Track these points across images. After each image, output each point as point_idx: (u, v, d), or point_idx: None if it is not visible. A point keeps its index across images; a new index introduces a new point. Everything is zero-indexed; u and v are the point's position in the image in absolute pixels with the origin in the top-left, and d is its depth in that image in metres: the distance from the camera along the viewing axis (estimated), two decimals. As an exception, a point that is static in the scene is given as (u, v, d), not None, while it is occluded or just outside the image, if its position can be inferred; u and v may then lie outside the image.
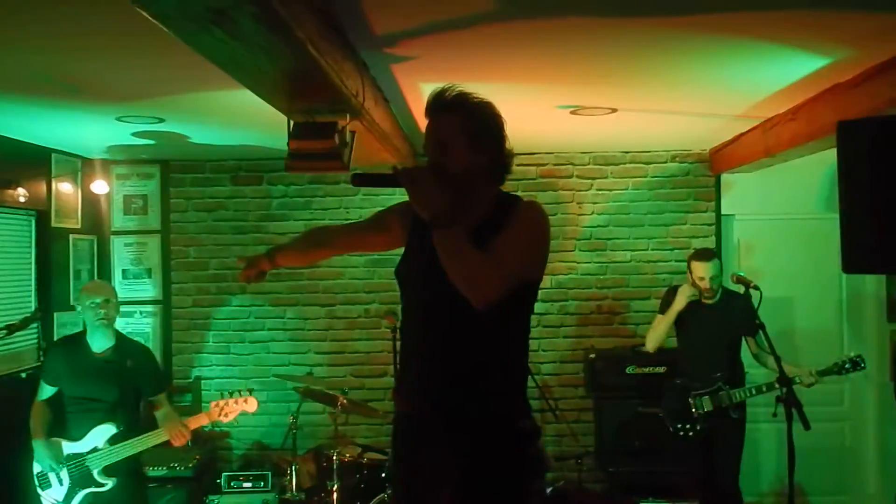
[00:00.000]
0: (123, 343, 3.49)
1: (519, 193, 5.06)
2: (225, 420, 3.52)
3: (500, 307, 1.89)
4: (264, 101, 2.79)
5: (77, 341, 3.43)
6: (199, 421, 3.49)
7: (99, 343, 3.37)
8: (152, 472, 4.23)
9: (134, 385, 3.42)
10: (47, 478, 3.33)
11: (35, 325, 3.56)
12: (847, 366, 3.54)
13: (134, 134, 3.94)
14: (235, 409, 3.48)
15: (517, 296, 1.93)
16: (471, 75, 2.88)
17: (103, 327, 3.34)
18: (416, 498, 2.11)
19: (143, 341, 4.74)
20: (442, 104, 1.99)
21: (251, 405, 3.54)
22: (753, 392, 3.70)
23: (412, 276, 2.04)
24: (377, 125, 3.21)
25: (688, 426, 3.82)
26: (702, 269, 3.84)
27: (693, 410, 3.80)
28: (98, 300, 3.32)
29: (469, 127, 1.95)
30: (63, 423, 3.38)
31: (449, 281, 1.86)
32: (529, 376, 4.13)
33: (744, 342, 3.92)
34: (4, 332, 3.26)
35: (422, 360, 2.03)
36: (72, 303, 3.45)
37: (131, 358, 3.43)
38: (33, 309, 3.42)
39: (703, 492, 3.99)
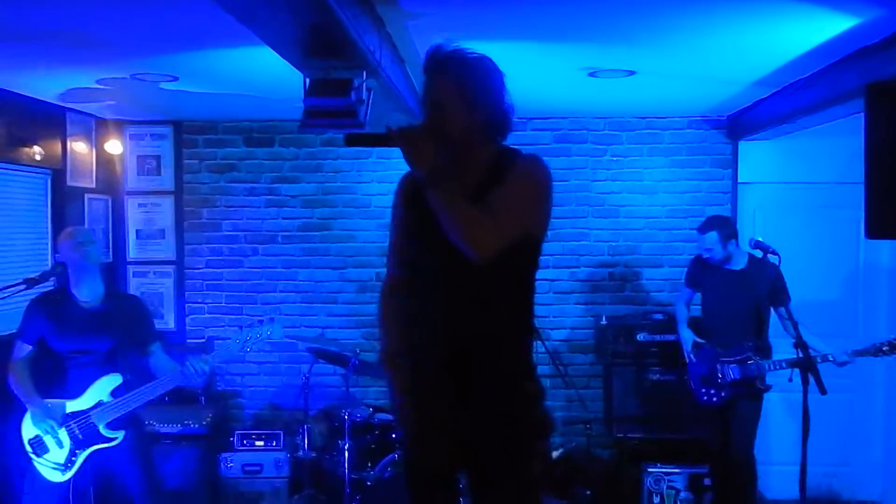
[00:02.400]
0: (113, 293, 3.37)
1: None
2: (247, 350, 3.28)
3: (503, 264, 1.88)
4: (281, 56, 2.77)
5: (61, 294, 3.24)
6: (218, 355, 3.30)
7: (86, 292, 3.19)
8: (165, 429, 4.29)
9: (129, 334, 3.24)
10: (42, 442, 3.12)
11: (52, 279, 3.52)
12: (885, 348, 3.41)
13: (149, 93, 3.92)
14: (258, 336, 3.25)
15: (519, 252, 1.92)
16: (487, 34, 2.84)
17: (89, 270, 3.17)
18: (425, 458, 2.11)
19: (157, 301, 4.83)
20: (436, 63, 1.96)
21: (276, 331, 3.31)
22: (784, 365, 3.61)
23: (423, 231, 1.99)
24: (393, 85, 3.18)
25: (712, 391, 3.80)
26: (700, 241, 3.87)
27: (719, 377, 3.77)
28: (81, 240, 3.16)
29: (464, 85, 1.92)
30: (59, 380, 3.18)
31: (450, 240, 1.85)
32: (538, 341, 4.18)
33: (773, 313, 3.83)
34: (23, 285, 3.18)
35: (425, 321, 2.01)
36: (53, 257, 3.27)
37: (124, 306, 3.28)
38: (52, 265, 3.30)
39: (717, 459, 4.00)
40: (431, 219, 1.89)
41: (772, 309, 3.77)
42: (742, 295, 3.76)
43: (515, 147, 2.02)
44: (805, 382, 2.99)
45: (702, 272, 3.99)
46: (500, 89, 1.98)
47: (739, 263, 3.83)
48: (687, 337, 4.03)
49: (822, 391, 3.00)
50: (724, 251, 3.81)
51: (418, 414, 2.10)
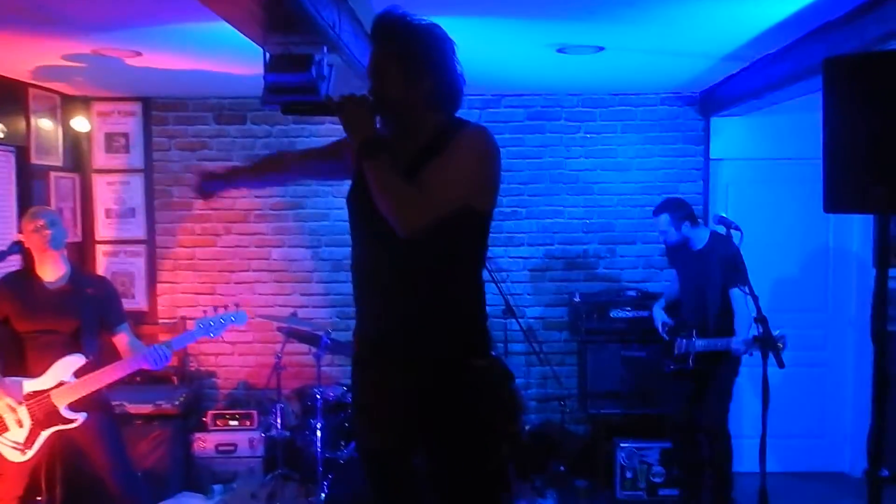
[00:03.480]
0: (79, 273, 3.32)
1: (506, 136, 5.00)
2: (212, 336, 3.28)
3: (440, 238, 1.84)
4: (240, 32, 2.72)
5: (25, 275, 3.21)
6: (184, 341, 3.28)
7: (51, 272, 3.17)
8: (137, 409, 4.28)
9: (95, 315, 3.21)
10: (2, 420, 3.07)
11: (16, 259, 3.47)
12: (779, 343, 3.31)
13: (115, 69, 3.85)
14: (223, 324, 3.25)
15: (460, 226, 1.87)
16: (453, 9, 2.80)
17: (51, 251, 3.13)
18: (365, 437, 2.11)
19: (128, 281, 4.79)
20: (381, 29, 1.91)
21: (240, 318, 3.30)
22: (710, 346, 3.68)
23: (361, 203, 1.95)
24: (356, 60, 3.14)
25: (671, 366, 3.88)
26: (656, 224, 3.92)
27: (675, 351, 3.85)
28: (42, 221, 3.11)
29: (406, 53, 1.87)
30: (20, 361, 3.14)
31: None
32: (512, 318, 4.16)
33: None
34: (-18, 266, 3.18)
35: (368, 296, 1.99)
36: (14, 238, 3.24)
37: (90, 287, 3.24)
38: (14, 242, 3.25)
39: (673, 432, 4.06)
40: (364, 189, 1.87)
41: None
42: (702, 274, 3.78)
43: (464, 119, 1.97)
44: (764, 357, 3.01)
45: (673, 253, 4.04)
46: (447, 58, 1.92)
47: (699, 244, 3.85)
48: (657, 316, 4.09)
49: (780, 365, 3.03)
50: (678, 234, 3.83)
51: (357, 392, 2.10)
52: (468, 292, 1.98)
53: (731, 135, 4.70)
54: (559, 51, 3.56)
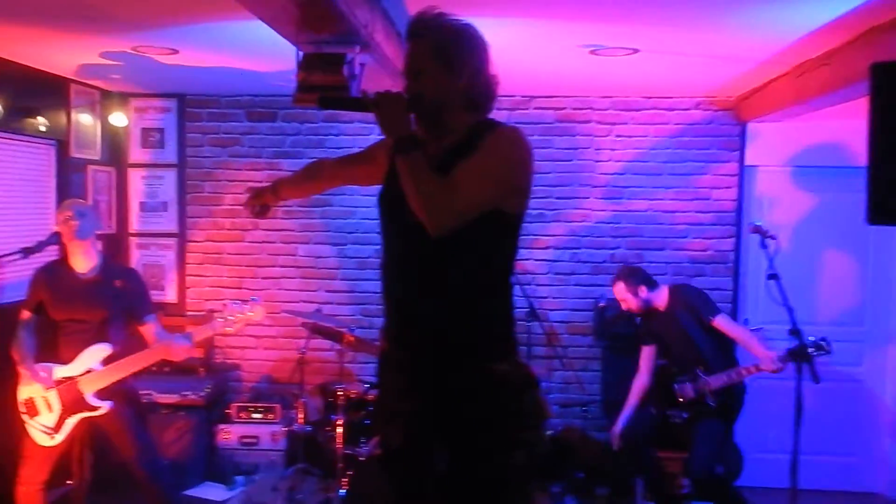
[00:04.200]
0: (109, 264, 3.40)
1: (535, 138, 4.97)
2: (231, 330, 3.33)
3: (470, 240, 1.84)
4: (273, 30, 2.75)
5: (60, 264, 3.32)
6: (203, 332, 3.32)
7: (82, 263, 3.26)
8: (163, 399, 4.35)
9: (123, 305, 3.31)
10: (34, 404, 3.19)
11: (55, 249, 3.56)
12: (811, 350, 3.25)
13: (152, 66, 3.92)
14: (241, 318, 3.30)
15: (489, 228, 1.87)
16: (487, 9, 2.80)
17: (78, 241, 3.20)
18: (385, 436, 2.11)
19: (158, 273, 4.88)
20: (417, 28, 1.92)
21: (257, 313, 3.33)
22: (733, 377, 3.61)
23: (392, 203, 1.97)
24: (389, 60, 3.15)
25: (675, 412, 3.80)
26: (615, 292, 3.87)
27: (680, 397, 3.77)
28: (70, 213, 3.20)
29: (442, 51, 1.88)
30: (54, 347, 3.26)
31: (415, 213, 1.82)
32: (536, 322, 4.13)
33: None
34: (20, 254, 3.23)
35: (396, 295, 1.99)
36: (52, 229, 3.36)
37: (119, 279, 3.32)
38: (48, 235, 3.35)
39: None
40: (400, 190, 1.87)
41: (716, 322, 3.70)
42: (679, 327, 3.75)
43: (497, 120, 1.96)
44: (799, 371, 2.94)
45: (648, 325, 3.94)
46: (481, 58, 1.93)
47: (661, 304, 3.82)
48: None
49: (816, 380, 2.96)
50: (636, 299, 3.80)
51: (381, 389, 2.11)
52: (497, 295, 1.97)
53: (767, 141, 4.60)
54: (593, 52, 3.53)
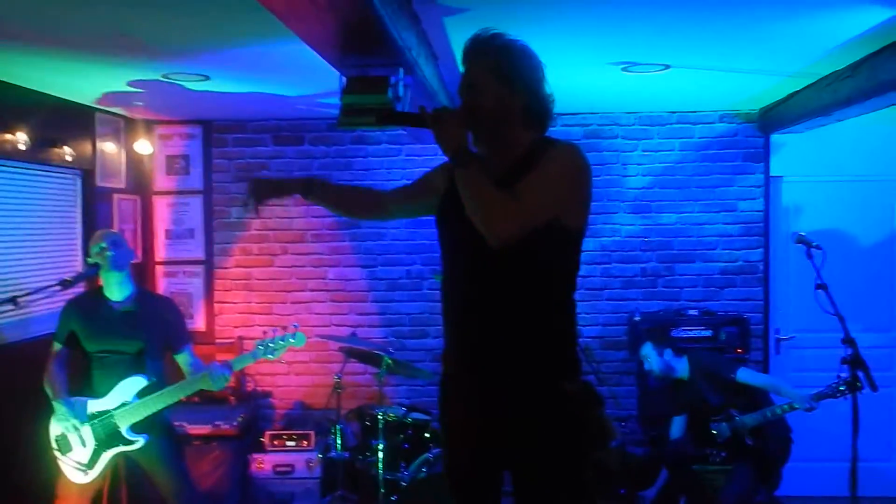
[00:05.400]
0: (144, 294, 3.37)
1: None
2: (272, 358, 3.28)
3: (535, 254, 1.83)
4: (318, 54, 2.74)
5: (94, 295, 3.28)
6: (244, 361, 3.29)
7: (117, 293, 3.22)
8: (196, 429, 4.30)
9: (159, 336, 3.24)
10: (67, 440, 3.11)
11: (86, 281, 3.53)
12: (842, 388, 3.33)
13: (178, 93, 3.92)
14: (282, 346, 3.27)
15: (548, 242, 1.86)
16: (522, 29, 2.80)
17: (114, 272, 3.17)
18: (451, 458, 2.09)
19: (186, 301, 4.84)
20: (476, 47, 1.94)
21: (299, 340, 3.30)
22: (768, 415, 3.67)
23: (453, 222, 1.96)
24: (427, 81, 3.16)
25: (714, 452, 3.81)
26: (643, 350, 3.97)
27: (714, 433, 3.79)
28: (104, 244, 3.17)
29: (500, 69, 1.90)
30: (87, 380, 3.20)
31: (475, 228, 1.81)
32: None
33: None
34: (60, 287, 3.17)
35: (457, 315, 1.98)
36: (84, 259, 3.32)
37: (155, 308, 3.28)
38: (88, 264, 3.30)
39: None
40: (460, 207, 1.86)
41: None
42: (702, 390, 3.80)
43: (555, 137, 1.97)
44: (854, 379, 2.93)
45: (678, 395, 3.98)
46: (538, 76, 1.95)
47: (684, 373, 3.88)
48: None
49: (873, 388, 2.95)
50: (660, 360, 3.88)
51: (445, 412, 2.08)
52: (560, 313, 1.96)
53: (792, 152, 4.63)
54: (625, 69, 3.54)
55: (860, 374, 2.90)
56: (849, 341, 2.91)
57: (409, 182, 2.29)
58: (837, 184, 4.62)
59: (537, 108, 1.95)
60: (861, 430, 4.40)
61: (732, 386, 3.73)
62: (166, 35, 2.91)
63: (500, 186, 1.82)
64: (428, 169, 2.19)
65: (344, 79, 2.86)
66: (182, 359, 3.31)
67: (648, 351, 3.93)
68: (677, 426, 4.01)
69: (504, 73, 1.90)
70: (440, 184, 2.07)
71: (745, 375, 3.71)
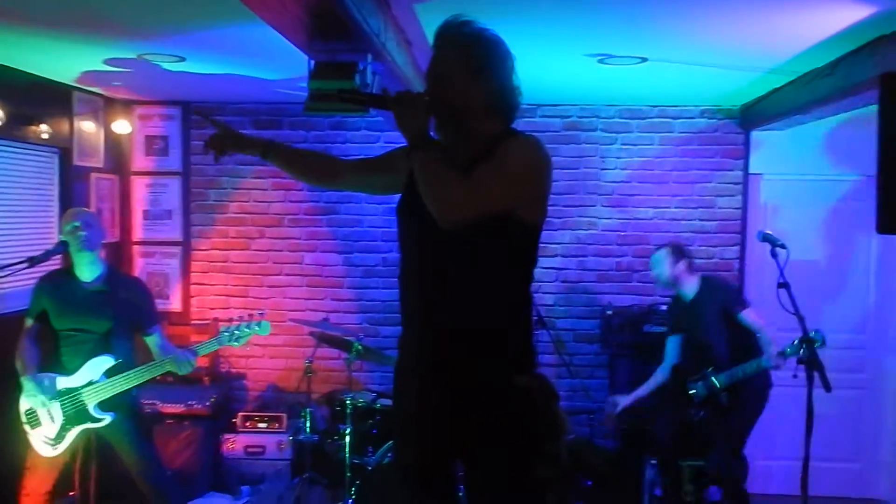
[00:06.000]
0: (114, 274, 3.36)
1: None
2: (236, 345, 3.33)
3: (491, 249, 1.84)
4: (286, 39, 2.74)
5: (64, 274, 3.27)
6: (208, 347, 3.33)
7: (87, 272, 3.22)
8: (169, 409, 4.33)
9: (128, 316, 3.25)
10: (36, 415, 3.14)
11: (58, 258, 3.54)
12: (803, 345, 3.20)
13: (156, 73, 3.91)
14: (247, 333, 3.31)
15: (507, 236, 1.86)
16: (495, 18, 2.79)
17: (85, 252, 3.17)
18: (401, 450, 2.09)
19: (163, 281, 4.85)
20: (445, 35, 1.93)
21: (263, 328, 3.34)
22: (739, 374, 3.67)
23: (410, 211, 1.96)
24: (399, 68, 3.15)
25: (692, 412, 3.83)
26: (654, 256, 3.95)
27: (694, 399, 3.81)
28: (77, 223, 3.17)
29: (468, 58, 1.89)
30: (56, 357, 3.22)
31: (429, 218, 1.81)
32: (543, 329, 4.13)
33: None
34: (26, 263, 3.18)
35: (413, 305, 1.99)
36: (58, 237, 3.33)
37: (124, 289, 3.28)
38: (55, 244, 3.32)
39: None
40: (417, 196, 1.86)
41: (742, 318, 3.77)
42: (700, 318, 3.81)
43: (518, 130, 1.96)
44: (809, 379, 2.94)
45: (674, 313, 4.02)
46: (505, 68, 1.93)
47: (691, 293, 3.87)
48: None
49: (827, 388, 2.96)
50: (670, 272, 3.85)
51: (398, 402, 2.10)
52: (514, 306, 1.95)
53: (771, 149, 4.62)
54: (601, 61, 3.53)
55: (817, 374, 2.90)
56: (806, 341, 2.92)
57: (372, 157, 2.28)
58: (816, 182, 4.62)
59: (503, 99, 1.94)
60: (833, 430, 4.49)
61: (728, 322, 3.72)
62: (139, 16, 2.90)
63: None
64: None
65: (312, 63, 2.85)
66: (151, 340, 3.33)
67: (662, 257, 3.86)
68: (672, 346, 3.99)
69: (472, 63, 1.88)
70: (401, 166, 2.05)
71: (747, 317, 3.70)
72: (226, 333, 3.30)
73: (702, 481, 4.13)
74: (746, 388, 3.73)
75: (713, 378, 3.73)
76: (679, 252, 3.90)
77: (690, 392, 3.82)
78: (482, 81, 1.89)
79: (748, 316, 3.73)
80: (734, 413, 3.76)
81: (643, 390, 4.01)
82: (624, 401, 4.03)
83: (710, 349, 3.77)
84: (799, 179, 4.64)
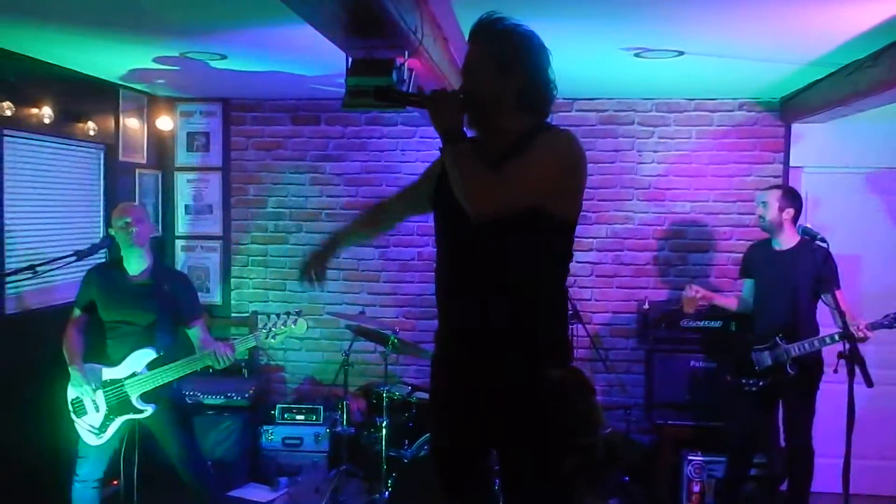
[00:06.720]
0: (160, 268, 3.44)
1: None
2: (273, 342, 3.40)
3: (525, 243, 1.85)
4: (323, 35, 2.78)
5: (113, 266, 3.38)
6: (245, 343, 3.39)
7: (134, 266, 3.30)
8: (209, 400, 4.42)
9: (171, 310, 3.33)
10: (82, 404, 3.23)
11: (104, 252, 3.64)
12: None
13: (199, 71, 3.99)
14: (283, 331, 3.36)
15: (541, 230, 1.88)
16: (532, 13, 2.79)
17: (136, 247, 3.26)
18: (445, 441, 2.12)
19: (203, 275, 4.96)
20: (478, 30, 1.96)
21: (299, 327, 3.39)
22: (807, 347, 3.54)
23: (446, 206, 1.99)
24: (436, 65, 3.17)
25: (751, 381, 3.72)
26: (765, 194, 3.80)
27: (755, 367, 3.71)
28: (128, 219, 3.25)
29: (501, 54, 1.90)
30: (102, 348, 3.32)
31: (462, 213, 1.83)
32: (579, 324, 4.12)
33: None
34: (74, 257, 3.29)
35: (449, 298, 2.02)
36: (108, 231, 3.43)
37: (168, 282, 3.35)
38: (107, 235, 3.40)
39: (739, 447, 3.94)
40: (451, 191, 1.88)
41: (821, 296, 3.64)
42: (790, 277, 3.65)
43: (553, 124, 1.98)
44: (850, 374, 2.89)
45: (753, 256, 3.92)
46: (539, 62, 1.94)
47: (787, 243, 3.72)
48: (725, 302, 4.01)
49: (869, 383, 2.90)
50: (777, 215, 3.69)
51: (435, 392, 2.14)
52: (549, 300, 1.97)
53: (813, 142, 4.53)
54: (637, 55, 3.51)
55: (859, 369, 2.85)
56: (846, 336, 2.87)
57: (408, 185, 2.35)
58: (858, 175, 4.52)
59: (536, 94, 1.95)
60: (879, 427, 4.39)
61: (812, 295, 3.61)
62: (185, 15, 2.98)
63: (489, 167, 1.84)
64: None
65: (349, 60, 2.89)
66: (192, 333, 3.41)
67: (771, 198, 3.70)
68: (748, 287, 3.94)
69: (504, 59, 1.90)
70: (438, 170, 2.09)
71: (835, 297, 3.44)
72: (263, 331, 3.37)
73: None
74: (810, 372, 3.62)
75: (785, 347, 3.59)
76: (792, 196, 3.73)
77: (752, 360, 3.70)
78: (513, 76, 1.91)
79: (838, 298, 3.48)
80: (793, 390, 3.65)
81: (720, 300, 4.01)
82: (695, 293, 3.91)
83: (794, 314, 3.62)
84: (841, 172, 4.55)
